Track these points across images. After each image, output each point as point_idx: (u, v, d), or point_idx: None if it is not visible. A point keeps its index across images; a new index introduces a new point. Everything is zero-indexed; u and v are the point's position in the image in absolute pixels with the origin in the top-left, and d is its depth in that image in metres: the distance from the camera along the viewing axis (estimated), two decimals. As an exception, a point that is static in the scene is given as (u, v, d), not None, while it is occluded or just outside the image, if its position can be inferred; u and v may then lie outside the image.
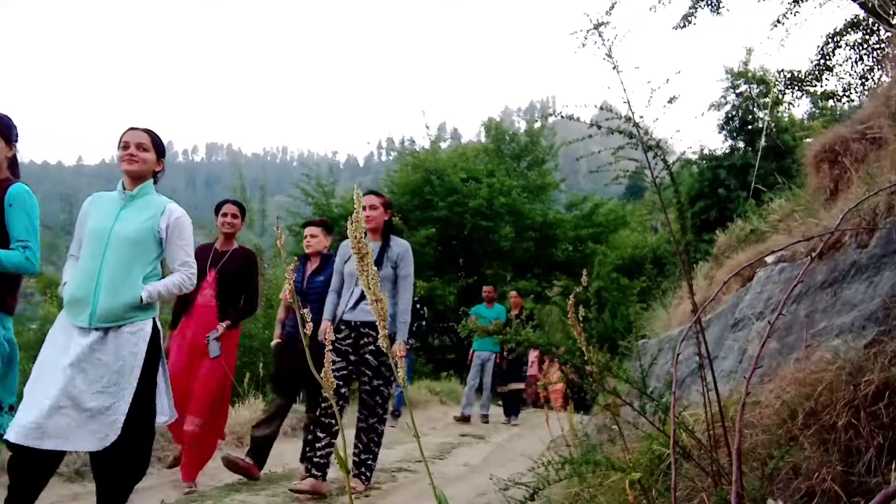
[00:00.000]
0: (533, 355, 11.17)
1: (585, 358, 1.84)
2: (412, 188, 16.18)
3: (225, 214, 4.57)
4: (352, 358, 4.07)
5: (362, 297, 3.96)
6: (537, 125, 19.66)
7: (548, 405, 11.71)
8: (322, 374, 1.05)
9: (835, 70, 8.13)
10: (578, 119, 1.94)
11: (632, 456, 2.23)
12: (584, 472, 1.95)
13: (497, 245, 15.60)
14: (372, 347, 4.04)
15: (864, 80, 7.75)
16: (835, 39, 7.86)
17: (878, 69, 7.18)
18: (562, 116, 1.96)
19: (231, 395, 4.62)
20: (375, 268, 4.09)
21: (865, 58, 7.68)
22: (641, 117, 1.77)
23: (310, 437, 4.47)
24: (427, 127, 18.36)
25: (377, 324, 1.39)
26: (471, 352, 9.28)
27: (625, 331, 10.89)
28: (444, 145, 20.22)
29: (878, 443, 1.74)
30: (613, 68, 1.74)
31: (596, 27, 1.79)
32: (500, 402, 9.87)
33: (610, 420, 3.07)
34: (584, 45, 1.79)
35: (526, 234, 16.19)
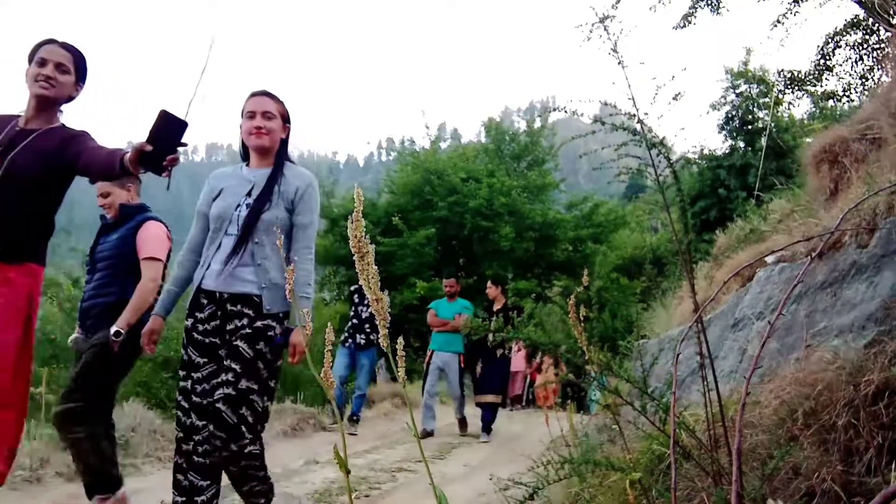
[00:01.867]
0: (517, 348, 11.02)
1: (586, 358, 1.84)
2: (412, 188, 16.18)
3: (42, 63, 2.46)
4: (222, 353, 2.57)
5: (234, 252, 2.56)
6: (537, 124, 19.66)
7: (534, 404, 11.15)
8: (322, 374, 1.04)
9: (835, 70, 8.14)
10: (581, 115, 1.94)
11: (632, 456, 2.23)
12: (584, 471, 1.95)
13: (497, 245, 15.60)
14: (247, 331, 2.52)
15: (864, 80, 7.75)
16: (835, 39, 7.86)
17: (878, 69, 7.18)
18: (565, 112, 1.96)
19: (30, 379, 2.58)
20: (258, 206, 2.65)
21: (865, 58, 7.68)
22: (646, 114, 1.77)
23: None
24: (427, 127, 18.36)
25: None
26: (429, 352, 7.58)
27: (625, 331, 10.90)
28: (444, 145, 20.23)
29: (878, 443, 1.74)
30: (619, 63, 1.73)
31: (601, 21, 1.79)
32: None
33: (610, 420, 3.07)
34: (588, 39, 1.79)
35: (526, 234, 16.20)
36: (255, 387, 2.47)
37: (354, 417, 7.26)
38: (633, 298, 14.66)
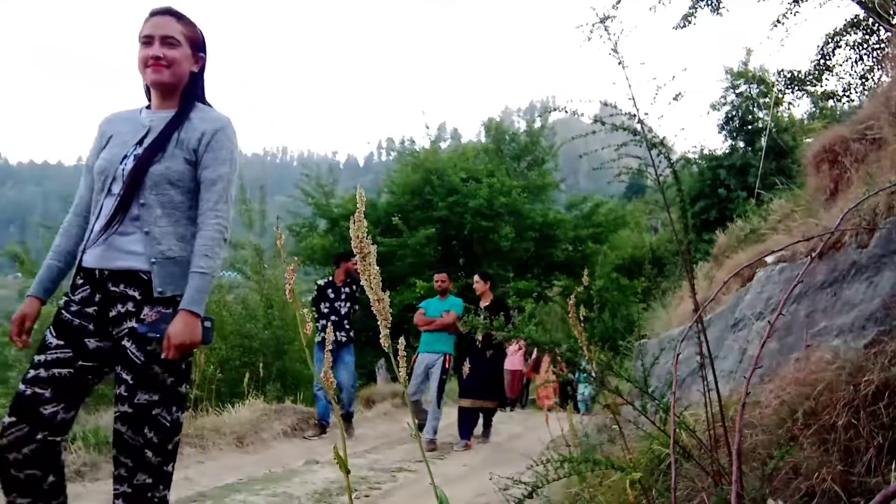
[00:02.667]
0: (513, 348, 10.84)
1: (587, 357, 1.84)
2: (412, 188, 16.17)
3: None
4: (90, 344, 1.95)
5: (116, 216, 1.97)
6: (537, 124, 19.66)
7: (530, 403, 10.88)
8: (322, 374, 1.05)
9: (835, 70, 8.15)
10: (581, 115, 1.94)
11: (632, 455, 2.23)
12: (584, 471, 1.95)
13: (497, 245, 15.59)
14: (131, 325, 1.93)
15: (864, 80, 7.76)
16: (835, 39, 7.87)
17: (878, 69, 7.19)
18: (565, 111, 1.96)
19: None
20: (147, 156, 2.06)
21: (865, 58, 7.69)
22: (646, 114, 1.78)
23: None
24: (427, 127, 18.31)
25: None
26: (414, 356, 6.79)
27: (625, 331, 10.90)
28: (443, 145, 20.21)
29: (878, 443, 1.74)
30: (619, 63, 1.74)
31: (602, 21, 1.79)
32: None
33: (610, 420, 3.07)
34: (589, 40, 1.79)
35: (526, 234, 16.18)
36: (156, 397, 1.89)
37: (348, 416, 6.83)
38: (634, 298, 14.65)
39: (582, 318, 1.96)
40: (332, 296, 6.86)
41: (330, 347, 1.09)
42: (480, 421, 7.05)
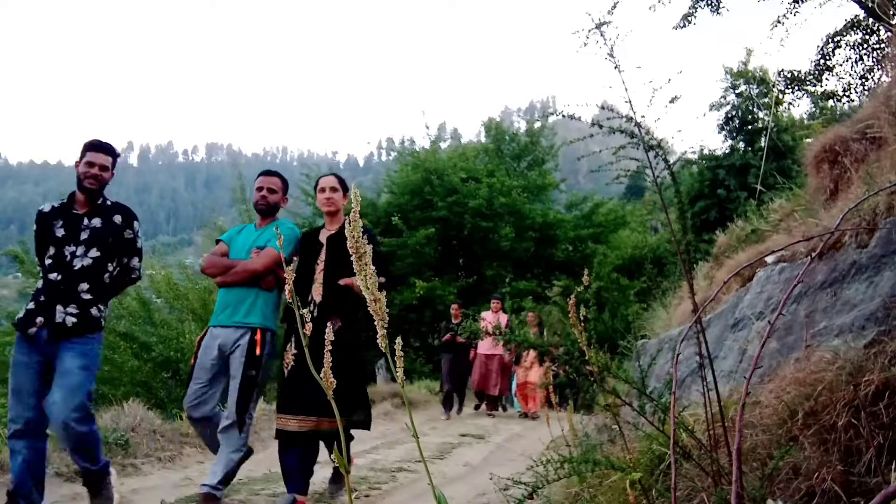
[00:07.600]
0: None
1: (586, 358, 1.84)
2: (412, 188, 16.16)
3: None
4: None
5: None
6: (537, 125, 19.67)
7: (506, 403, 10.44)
8: (322, 374, 1.04)
9: (835, 70, 8.16)
10: (579, 118, 1.94)
11: (632, 456, 2.23)
12: (584, 471, 1.95)
13: (497, 245, 15.59)
14: None
15: (864, 80, 7.76)
16: (835, 39, 7.88)
17: (878, 69, 7.19)
18: (563, 116, 1.96)
19: None
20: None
21: (865, 58, 7.70)
22: (643, 117, 1.78)
23: None
24: (427, 127, 18.34)
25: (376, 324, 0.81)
26: (201, 333, 3.80)
27: (625, 331, 10.89)
28: (443, 145, 20.20)
29: (878, 443, 1.74)
30: (615, 68, 1.74)
31: (598, 26, 1.79)
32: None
33: (610, 420, 3.07)
34: (585, 45, 1.79)
35: (526, 234, 16.19)
36: None
37: (91, 473, 3.26)
38: (634, 298, 14.64)
39: (582, 319, 1.96)
40: (61, 234, 3.33)
41: (329, 348, 0.99)
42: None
